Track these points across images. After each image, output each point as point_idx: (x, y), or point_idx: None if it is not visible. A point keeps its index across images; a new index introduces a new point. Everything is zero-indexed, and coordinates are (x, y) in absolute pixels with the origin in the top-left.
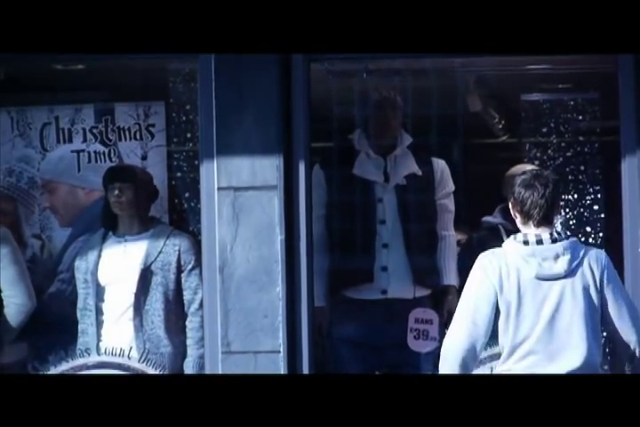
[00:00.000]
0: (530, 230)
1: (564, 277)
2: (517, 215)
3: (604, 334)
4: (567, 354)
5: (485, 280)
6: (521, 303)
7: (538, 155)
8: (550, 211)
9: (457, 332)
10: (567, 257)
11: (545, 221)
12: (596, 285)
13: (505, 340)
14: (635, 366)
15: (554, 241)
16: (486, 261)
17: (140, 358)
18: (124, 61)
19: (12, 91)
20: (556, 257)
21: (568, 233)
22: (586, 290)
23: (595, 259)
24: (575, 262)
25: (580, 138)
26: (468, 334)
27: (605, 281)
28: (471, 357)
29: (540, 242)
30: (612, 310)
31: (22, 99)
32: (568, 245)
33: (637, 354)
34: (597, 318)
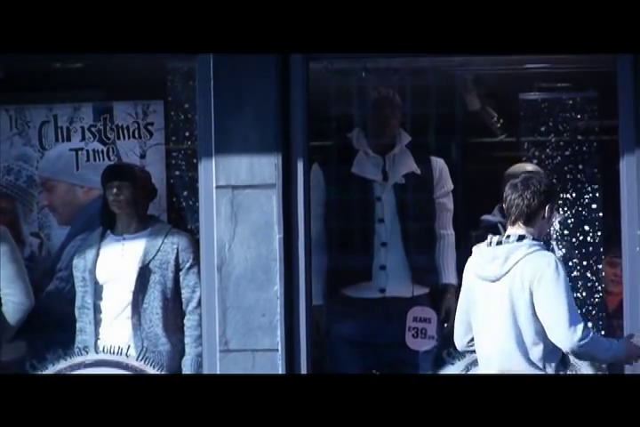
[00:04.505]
0: (510, 229)
1: (499, 279)
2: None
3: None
4: (497, 357)
5: (464, 279)
6: (471, 303)
7: (536, 154)
8: (527, 211)
9: (455, 329)
10: (500, 260)
11: (519, 220)
12: (523, 289)
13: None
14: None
15: (498, 243)
16: (469, 260)
17: (138, 356)
18: (123, 60)
19: (10, 89)
20: (493, 259)
21: (533, 236)
22: (512, 294)
23: (534, 262)
24: (508, 266)
25: (579, 137)
26: (458, 332)
27: (537, 286)
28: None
29: (489, 244)
30: (541, 316)
31: (21, 97)
32: (509, 248)
33: (567, 361)
34: (525, 323)
